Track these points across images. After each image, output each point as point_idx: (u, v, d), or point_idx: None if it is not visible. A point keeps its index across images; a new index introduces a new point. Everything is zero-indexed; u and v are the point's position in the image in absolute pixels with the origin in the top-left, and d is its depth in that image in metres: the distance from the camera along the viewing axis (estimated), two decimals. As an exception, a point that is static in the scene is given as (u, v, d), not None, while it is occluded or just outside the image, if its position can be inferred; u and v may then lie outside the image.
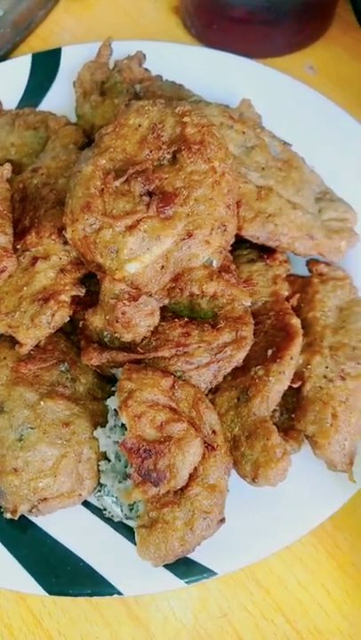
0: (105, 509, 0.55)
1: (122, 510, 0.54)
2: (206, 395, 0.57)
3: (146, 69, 0.82)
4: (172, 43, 0.91)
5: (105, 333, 0.58)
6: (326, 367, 0.57)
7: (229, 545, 0.53)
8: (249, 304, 0.57)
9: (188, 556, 0.52)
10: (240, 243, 0.69)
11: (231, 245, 0.68)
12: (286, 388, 0.56)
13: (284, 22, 0.92)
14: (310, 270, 0.67)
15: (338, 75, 0.94)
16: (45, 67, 0.85)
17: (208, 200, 0.57)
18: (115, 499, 0.54)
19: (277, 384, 0.55)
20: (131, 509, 0.53)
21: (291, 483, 0.56)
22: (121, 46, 0.84)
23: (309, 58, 0.96)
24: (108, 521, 0.55)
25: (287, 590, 0.58)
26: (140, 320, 0.54)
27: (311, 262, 0.67)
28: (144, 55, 0.83)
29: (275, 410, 0.58)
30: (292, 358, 0.57)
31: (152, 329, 0.55)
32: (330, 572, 0.58)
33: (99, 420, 0.56)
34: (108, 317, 0.54)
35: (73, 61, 0.84)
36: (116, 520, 0.55)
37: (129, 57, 0.82)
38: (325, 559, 0.59)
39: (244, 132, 0.70)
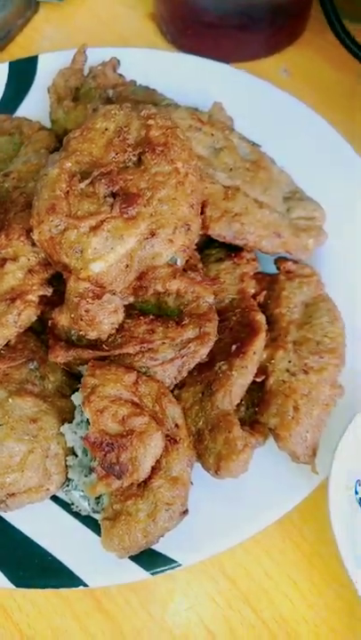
0: (73, 504, 0.56)
1: (89, 504, 0.55)
2: (172, 390, 0.58)
3: (120, 75, 0.84)
4: (146, 49, 0.93)
5: (72, 332, 0.59)
6: (289, 361, 0.59)
7: (194, 536, 0.54)
8: (212, 301, 0.58)
9: (153, 547, 0.53)
10: (209, 242, 0.70)
11: (200, 245, 0.70)
12: (250, 382, 0.58)
13: (257, 27, 0.94)
14: (278, 268, 0.68)
15: (312, 77, 0.96)
16: (22, 74, 0.87)
17: (171, 200, 0.59)
18: (82, 493, 0.55)
19: (240, 378, 0.57)
20: (97, 503, 0.55)
21: (255, 475, 0.57)
22: (97, 53, 0.86)
23: (284, 61, 0.98)
24: (76, 515, 0.56)
25: (254, 581, 0.59)
26: (104, 317, 0.55)
27: (279, 260, 0.69)
28: (118, 61, 0.85)
29: (240, 404, 0.60)
30: (255, 353, 0.58)
31: (117, 326, 0.57)
32: (296, 563, 0.59)
33: (67, 416, 0.57)
34: (72, 316, 0.56)
35: (49, 68, 0.86)
36: (83, 514, 0.56)
37: (103, 63, 0.84)
38: (292, 550, 0.60)
39: (212, 134, 0.72)
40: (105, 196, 0.58)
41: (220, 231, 0.65)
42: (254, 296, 0.65)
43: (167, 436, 0.53)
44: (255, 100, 0.84)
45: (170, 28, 0.97)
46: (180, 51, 0.96)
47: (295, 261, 0.69)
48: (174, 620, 0.57)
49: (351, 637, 0.56)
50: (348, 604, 0.57)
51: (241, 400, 0.60)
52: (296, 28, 0.99)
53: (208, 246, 0.70)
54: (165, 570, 0.54)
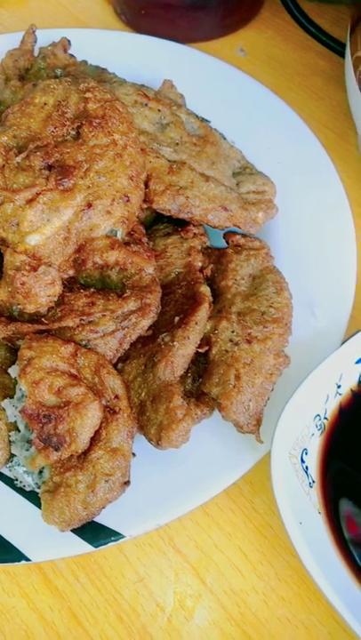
0: (17, 479, 0.56)
1: (32, 479, 0.55)
2: (116, 363, 0.58)
3: (71, 55, 0.83)
4: (100, 29, 0.92)
5: (14, 307, 0.58)
6: (233, 332, 0.58)
7: (137, 508, 0.54)
8: (152, 271, 0.58)
9: (96, 520, 0.53)
10: (158, 218, 0.70)
11: (149, 221, 0.70)
12: (192, 352, 0.57)
13: (212, 6, 0.94)
14: (227, 242, 0.68)
15: (268, 56, 0.95)
16: (-27, 57, 0.86)
17: (109, 172, 0.58)
18: (25, 468, 0.55)
19: (182, 349, 0.56)
20: (40, 477, 0.54)
21: (201, 447, 0.57)
22: (51, 34, 0.85)
23: (240, 41, 0.97)
24: (20, 491, 0.56)
25: (204, 553, 0.58)
26: (40, 290, 0.55)
27: (228, 234, 0.68)
28: (69, 41, 0.84)
29: (187, 377, 0.59)
30: (197, 324, 0.57)
31: (55, 299, 0.56)
32: (247, 535, 0.59)
33: (10, 392, 0.57)
34: (10, 289, 0.55)
35: (0, 51, 0.85)
36: (27, 489, 0.55)
37: (53, 44, 0.83)
38: (243, 522, 0.60)
39: (159, 110, 0.71)
40: (41, 169, 0.57)
41: (164, 205, 0.64)
42: (202, 270, 0.65)
43: (107, 407, 0.53)
44: (208, 78, 0.84)
45: (125, 10, 0.97)
46: (135, 32, 0.95)
47: (245, 235, 0.68)
48: (123, 593, 0.56)
49: (300, 604, 0.56)
50: (297, 573, 0.57)
51: (188, 372, 0.59)
52: (252, 8, 0.99)
53: (157, 222, 0.70)
54: (109, 542, 0.53)
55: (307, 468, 0.56)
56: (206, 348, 0.58)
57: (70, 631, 0.55)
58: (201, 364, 0.60)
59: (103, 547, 0.53)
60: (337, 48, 0.89)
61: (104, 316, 0.56)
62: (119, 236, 0.59)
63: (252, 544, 0.59)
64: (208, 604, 0.56)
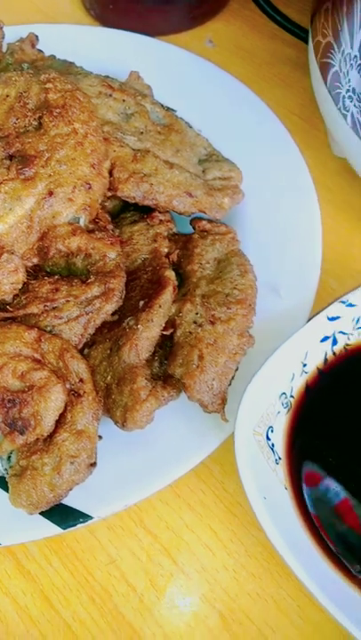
0: (-14, 466, 0.56)
1: (2, 465, 0.55)
2: (83, 349, 0.59)
3: (40, 51, 0.84)
4: (67, 24, 0.93)
5: (-20, 297, 0.59)
6: (196, 313, 0.59)
7: (105, 489, 0.55)
8: (114, 256, 0.59)
9: (64, 502, 0.53)
10: (125, 207, 0.71)
11: (116, 210, 0.70)
12: (157, 335, 0.58)
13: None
14: (193, 227, 0.69)
15: (237, 47, 0.96)
16: None
17: (70, 160, 0.59)
18: (-6, 454, 0.55)
19: (146, 331, 0.57)
20: (9, 462, 0.55)
21: (167, 427, 0.58)
22: (19, 30, 0.86)
23: (209, 32, 0.98)
24: (-10, 477, 0.56)
25: (174, 534, 0.59)
26: (3, 277, 0.55)
27: (194, 220, 0.69)
28: (37, 37, 0.85)
29: (154, 360, 0.60)
30: (160, 306, 0.58)
31: (18, 287, 0.57)
32: (217, 514, 0.60)
33: (-22, 380, 0.58)
34: (-27, 278, 0.56)
35: (-32, 48, 0.86)
36: (-3, 475, 0.56)
37: (21, 39, 0.84)
38: (213, 502, 0.60)
39: (123, 100, 0.72)
40: (2, 159, 0.58)
41: (128, 192, 0.65)
42: (168, 255, 0.66)
43: (71, 390, 0.54)
44: (175, 69, 0.85)
45: (93, 4, 0.97)
46: (104, 26, 0.96)
47: (211, 221, 0.69)
48: (95, 575, 0.57)
49: (269, 579, 0.57)
50: (267, 549, 0.58)
51: (155, 356, 0.60)
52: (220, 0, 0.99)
53: (124, 211, 0.70)
54: (78, 524, 0.54)
55: (273, 445, 0.57)
56: (171, 330, 0.59)
57: (43, 614, 0.56)
58: (168, 348, 0.60)
59: (72, 528, 0.54)
60: (303, 36, 0.90)
61: (68, 301, 0.57)
62: (82, 222, 0.59)
63: (223, 523, 0.59)
64: (179, 582, 0.57)
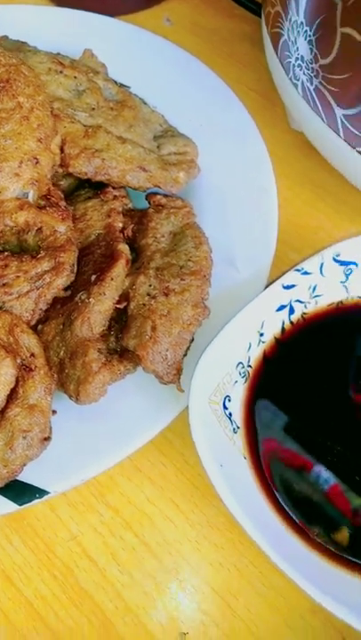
0: None
1: None
2: (36, 325, 0.58)
3: (-7, 32, 0.83)
4: (23, 5, 0.92)
5: None
6: (150, 286, 0.59)
7: (61, 464, 0.54)
8: (63, 230, 0.58)
9: (19, 478, 0.53)
10: (81, 185, 0.70)
11: (71, 188, 0.70)
12: (110, 308, 0.58)
13: (136, -22, 0.94)
14: (149, 202, 0.68)
15: (194, 25, 0.96)
16: None
17: (16, 135, 0.58)
18: None
19: (98, 305, 0.56)
20: None
21: (124, 401, 0.57)
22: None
23: (166, 11, 0.97)
24: None
25: (136, 508, 0.59)
26: None
27: (150, 195, 0.69)
28: (-11, 18, 0.83)
29: (110, 335, 0.60)
30: (112, 279, 0.58)
31: (-33, 264, 0.56)
32: (179, 487, 0.60)
33: None
34: None
35: None
36: None
37: (-28, 21, 0.83)
38: (174, 475, 0.60)
39: (75, 77, 0.71)
40: None
41: (79, 167, 0.64)
42: (122, 230, 0.65)
43: (23, 365, 0.53)
44: (131, 47, 0.84)
45: (48, -13, 0.96)
46: (61, 6, 0.95)
47: (167, 195, 0.69)
48: (56, 552, 0.57)
49: (232, 549, 0.57)
50: (229, 520, 0.57)
51: (111, 330, 0.60)
52: (177, -22, 0.99)
53: (79, 187, 0.70)
54: (34, 500, 0.53)
55: (230, 414, 0.57)
56: (125, 303, 0.58)
57: (4, 592, 0.55)
58: (124, 322, 0.60)
59: (28, 504, 0.53)
60: (259, 12, 0.89)
61: (18, 277, 0.56)
62: (31, 197, 0.59)
63: (184, 495, 0.59)
64: (141, 555, 0.57)
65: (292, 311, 0.62)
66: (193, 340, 0.58)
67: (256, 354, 0.60)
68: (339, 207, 0.76)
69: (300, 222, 0.75)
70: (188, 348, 0.58)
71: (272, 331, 0.62)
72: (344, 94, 0.58)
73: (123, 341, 0.57)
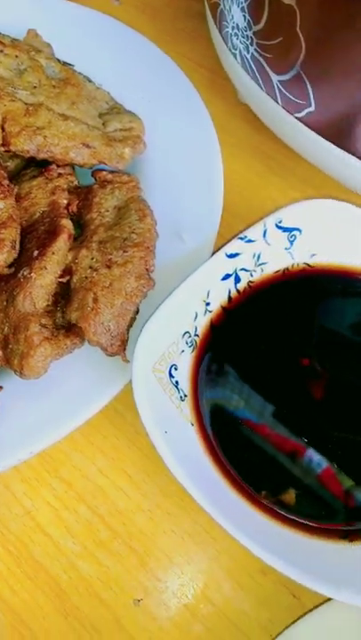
0: None
1: None
2: (-20, 304, 0.58)
3: None
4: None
5: None
6: (92, 259, 0.59)
7: (9, 438, 0.54)
8: (2, 206, 0.58)
9: (-33, 455, 0.53)
10: (27, 164, 0.70)
11: (17, 168, 0.69)
12: (52, 282, 0.58)
13: None
14: (95, 179, 0.68)
15: (143, 4, 0.95)
16: None
17: None
18: None
19: (39, 279, 0.56)
20: None
21: (71, 375, 0.58)
22: None
23: (115, -10, 0.97)
24: None
25: (89, 480, 0.59)
26: None
27: (95, 171, 0.68)
28: None
29: (57, 310, 0.59)
30: (54, 254, 0.58)
31: None
32: (131, 458, 0.60)
33: None
34: None
35: None
36: None
37: None
38: (126, 446, 0.61)
39: (16, 56, 0.71)
40: None
41: (21, 145, 0.64)
42: (68, 207, 0.65)
43: (-36, 342, 0.53)
44: (76, 26, 0.84)
45: (-6, -30, 0.95)
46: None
47: (113, 172, 0.69)
48: (10, 528, 0.57)
49: (184, 516, 0.57)
50: (180, 487, 0.58)
51: (57, 306, 0.60)
52: None
53: (24, 167, 0.69)
54: (-18, 475, 0.54)
55: (177, 382, 0.57)
56: (68, 277, 0.58)
57: None
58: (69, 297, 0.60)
59: (-24, 480, 0.54)
60: (206, -13, 0.89)
61: None
62: (-31, 176, 0.58)
63: (136, 466, 0.60)
64: (95, 526, 0.57)
65: (238, 280, 0.63)
66: (138, 311, 0.59)
67: (203, 323, 0.61)
68: (287, 177, 0.76)
69: (249, 194, 0.75)
70: (133, 320, 0.58)
71: (219, 300, 0.62)
72: (278, 60, 0.58)
73: (66, 315, 0.57)
